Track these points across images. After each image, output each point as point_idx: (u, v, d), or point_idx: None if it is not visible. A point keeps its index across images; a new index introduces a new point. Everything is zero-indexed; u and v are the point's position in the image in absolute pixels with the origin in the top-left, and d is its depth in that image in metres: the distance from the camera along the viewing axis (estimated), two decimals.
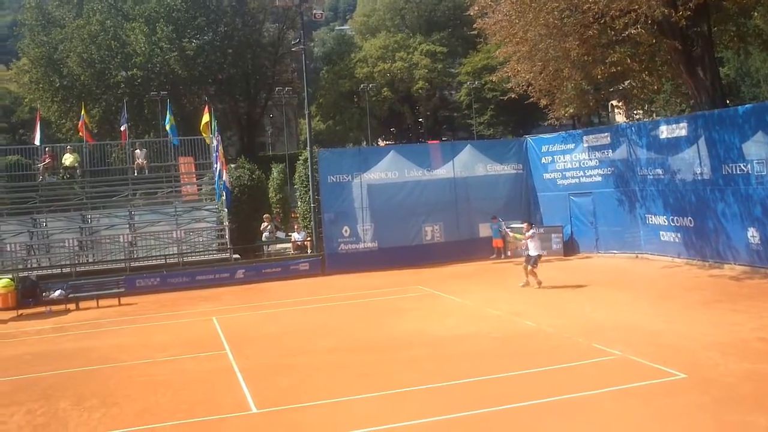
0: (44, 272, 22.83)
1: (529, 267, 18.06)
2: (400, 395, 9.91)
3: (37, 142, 28.75)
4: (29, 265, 23.69)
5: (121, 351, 14.05)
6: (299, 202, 29.64)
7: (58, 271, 23.13)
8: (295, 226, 26.66)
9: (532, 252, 18.09)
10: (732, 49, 28.42)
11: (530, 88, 22.66)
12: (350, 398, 9.92)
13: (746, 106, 20.34)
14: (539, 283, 17.87)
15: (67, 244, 24.49)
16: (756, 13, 22.53)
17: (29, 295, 20.28)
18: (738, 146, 18.32)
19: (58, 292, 20.47)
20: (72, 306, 20.15)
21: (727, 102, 23.88)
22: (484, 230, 25.11)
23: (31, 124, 49.50)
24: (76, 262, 23.82)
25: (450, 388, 10.06)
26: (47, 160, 27.48)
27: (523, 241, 18.87)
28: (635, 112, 42.77)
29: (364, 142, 62.70)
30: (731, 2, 20.24)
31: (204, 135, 27.30)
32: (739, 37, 23.37)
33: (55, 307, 19.94)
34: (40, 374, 12.52)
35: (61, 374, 12.44)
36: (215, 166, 25.51)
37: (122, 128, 30.91)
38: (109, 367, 12.79)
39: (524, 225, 19.19)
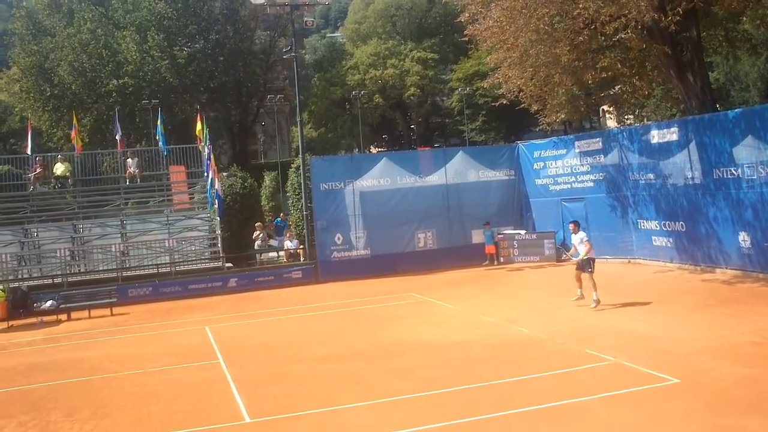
0: (35, 283, 22.68)
1: (585, 273, 15.46)
2: (393, 403, 9.89)
3: (28, 151, 28.64)
4: (20, 276, 23.55)
5: (113, 361, 13.98)
6: (292, 210, 29.61)
7: (50, 281, 22.99)
8: (288, 234, 26.60)
9: (583, 254, 15.53)
10: (721, 54, 28.63)
11: (521, 93, 22.70)
12: (344, 407, 9.90)
13: (736, 110, 20.48)
14: (597, 301, 15.36)
15: (58, 254, 24.33)
16: (744, 18, 22.69)
17: (20, 305, 20.10)
18: (728, 150, 18.40)
19: (49, 303, 20.33)
20: (63, 316, 20.05)
21: (717, 106, 24.01)
22: (477, 237, 25.09)
23: (21, 133, 49.34)
24: (68, 272, 23.69)
25: (444, 395, 10.04)
26: (38, 170, 27.35)
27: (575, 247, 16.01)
28: (626, 116, 43.03)
29: (356, 149, 62.71)
30: (720, 7, 20.35)
31: (200, 145, 27.41)
32: (728, 42, 23.51)
33: (46, 318, 19.82)
34: (32, 386, 12.44)
35: (53, 386, 12.36)
36: (207, 174, 25.46)
37: (117, 137, 30.84)
38: (101, 378, 12.72)
39: (571, 226, 16.32)
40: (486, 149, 35.81)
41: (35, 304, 20.28)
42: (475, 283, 21.18)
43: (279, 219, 29.81)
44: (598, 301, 15.39)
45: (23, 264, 24.69)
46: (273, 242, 26.43)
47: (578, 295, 15.77)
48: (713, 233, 19.20)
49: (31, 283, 22.49)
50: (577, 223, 16.42)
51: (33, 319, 19.71)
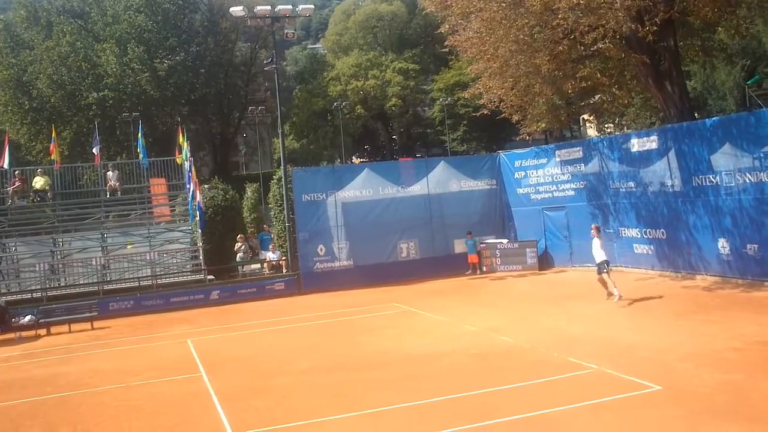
0: (14, 297, 22.44)
1: (598, 276, 16.74)
2: (376, 415, 9.84)
3: (5, 165, 28.30)
4: None
5: (94, 376, 13.81)
6: (274, 222, 29.48)
7: (29, 295, 22.70)
8: (270, 246, 26.49)
9: (600, 257, 16.60)
10: (698, 63, 28.91)
11: (502, 103, 22.81)
12: (327, 419, 9.83)
13: (713, 118, 20.74)
14: (609, 294, 16.63)
15: (37, 268, 24.05)
16: (720, 28, 23.00)
17: None
18: (707, 158, 18.60)
19: (28, 318, 20.09)
20: (43, 331, 19.80)
21: (695, 115, 24.25)
22: (460, 246, 25.18)
23: None
24: (47, 286, 23.42)
25: (427, 406, 10.01)
26: (17, 184, 27.05)
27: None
28: (606, 125, 43.39)
29: (338, 160, 62.65)
30: (695, 17, 20.64)
31: (177, 157, 27.31)
32: (705, 52, 23.80)
33: (25, 333, 19.57)
34: (9, 402, 12.25)
35: (31, 402, 12.19)
36: (188, 186, 25.34)
37: (94, 151, 30.58)
38: (81, 393, 12.55)
39: (593, 228, 17.30)
40: (467, 159, 35.93)
41: (13, 319, 20.03)
42: (458, 293, 21.20)
43: (264, 233, 29.58)
44: (619, 296, 16.34)
45: (1, 278, 24.39)
46: (271, 254, 25.86)
47: (616, 295, 16.43)
48: (693, 240, 19.37)
49: (9, 297, 22.24)
50: (597, 227, 17.35)
51: (11, 335, 19.44)
